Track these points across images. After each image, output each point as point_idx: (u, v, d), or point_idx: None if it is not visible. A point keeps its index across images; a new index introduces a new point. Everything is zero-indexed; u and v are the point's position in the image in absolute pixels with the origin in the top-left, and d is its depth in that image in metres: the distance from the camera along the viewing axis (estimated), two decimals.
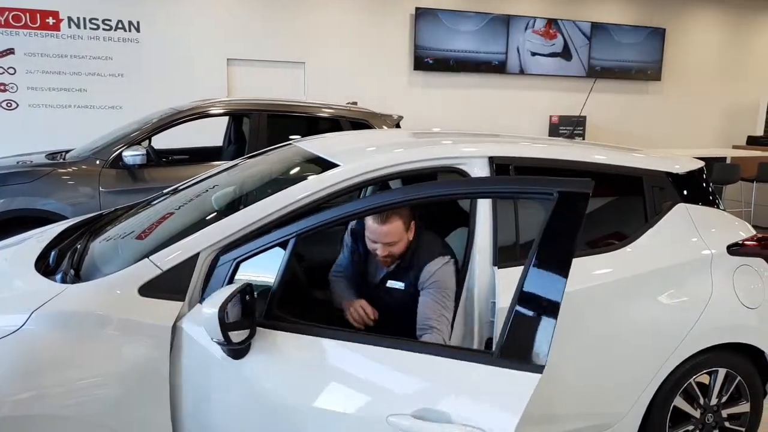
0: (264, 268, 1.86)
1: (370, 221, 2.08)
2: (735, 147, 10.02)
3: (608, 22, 9.05)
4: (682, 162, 2.57)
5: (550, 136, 8.62)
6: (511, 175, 2.19)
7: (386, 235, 2.06)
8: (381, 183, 2.37)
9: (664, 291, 2.30)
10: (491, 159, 2.19)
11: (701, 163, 2.64)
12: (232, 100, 4.99)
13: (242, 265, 1.79)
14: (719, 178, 6.74)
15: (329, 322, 2.07)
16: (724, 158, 7.41)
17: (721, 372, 2.43)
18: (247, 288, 1.64)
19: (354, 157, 2.11)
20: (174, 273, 1.79)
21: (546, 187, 1.50)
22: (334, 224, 1.79)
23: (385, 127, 5.15)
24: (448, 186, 1.92)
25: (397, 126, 5.38)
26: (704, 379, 2.45)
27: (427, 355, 1.57)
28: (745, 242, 2.48)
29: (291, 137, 3.23)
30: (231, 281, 1.76)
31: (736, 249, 2.45)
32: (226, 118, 5.32)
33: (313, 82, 7.81)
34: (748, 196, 8.28)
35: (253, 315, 1.65)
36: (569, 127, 8.53)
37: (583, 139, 8.49)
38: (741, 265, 2.46)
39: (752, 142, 9.82)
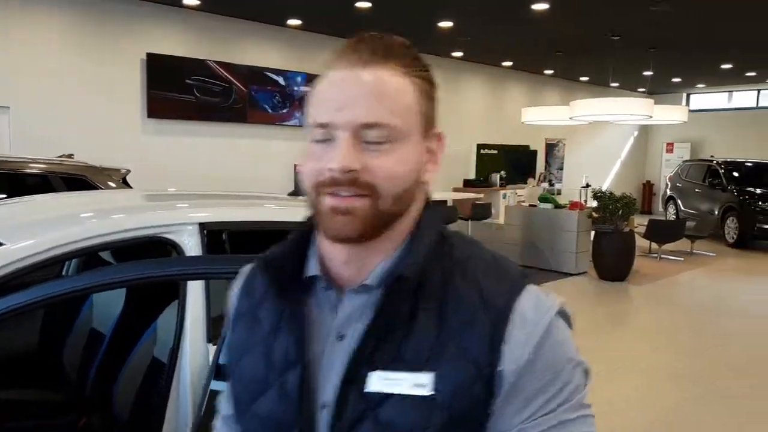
0: None
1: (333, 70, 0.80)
2: (455, 189, 11.50)
3: None
4: None
5: (296, 183, 8.80)
6: (224, 241, 2.07)
7: (368, 98, 0.76)
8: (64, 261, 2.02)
9: None
10: (202, 225, 2.05)
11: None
12: None
13: None
14: (444, 219, 7.57)
15: None
16: (446, 200, 8.39)
17: None
18: None
19: (22, 234, 1.77)
20: None
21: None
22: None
23: (111, 183, 4.66)
24: (115, 272, 1.67)
25: (124, 181, 4.91)
26: None
27: None
28: None
29: None
30: None
31: None
32: None
33: (19, 130, 6.77)
34: (466, 232, 9.45)
35: None
36: None
37: None
38: None
39: (468, 184, 11.38)
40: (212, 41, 8.20)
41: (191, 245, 2.01)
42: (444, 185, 11.76)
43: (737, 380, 4.45)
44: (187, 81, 7.84)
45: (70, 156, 4.93)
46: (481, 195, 8.96)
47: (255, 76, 8.51)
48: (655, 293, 7.25)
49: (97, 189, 4.38)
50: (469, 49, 10.68)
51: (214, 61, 8.10)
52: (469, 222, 8.25)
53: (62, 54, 7.02)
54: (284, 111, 8.89)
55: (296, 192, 2.86)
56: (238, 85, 8.34)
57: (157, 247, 2.07)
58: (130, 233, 1.90)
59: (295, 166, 8.84)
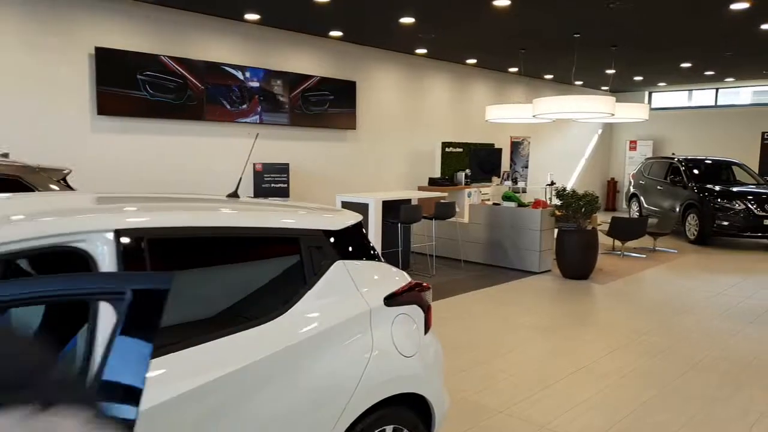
0: None
1: None
2: (420, 188, 11.38)
3: (308, 73, 9.50)
4: (339, 218, 2.57)
5: (255, 184, 8.56)
6: (144, 250, 1.88)
7: None
8: None
9: (326, 355, 2.22)
10: (118, 233, 1.85)
11: (358, 218, 2.70)
12: None
13: None
14: (406, 218, 7.45)
15: None
16: (410, 200, 8.25)
17: (389, 430, 2.45)
18: None
19: None
20: None
21: (117, 285, 1.22)
22: None
23: (53, 186, 4.37)
24: None
25: (65, 181, 4.62)
26: None
27: None
28: (399, 292, 2.59)
29: None
30: None
31: (391, 300, 2.53)
32: None
33: None
34: (430, 231, 9.37)
35: None
36: (274, 174, 8.59)
37: (287, 185, 8.63)
38: (398, 315, 2.55)
39: (433, 183, 11.27)
40: (166, 35, 7.90)
41: (104, 256, 1.81)
42: (409, 184, 11.65)
43: (697, 380, 4.42)
44: (139, 77, 7.53)
45: (4, 155, 4.62)
46: (446, 194, 8.85)
47: (212, 71, 8.24)
48: (617, 291, 7.25)
49: (32, 190, 4.10)
50: (432, 47, 10.57)
51: (168, 57, 7.80)
52: (433, 221, 8.14)
53: (2, 49, 6.65)
54: (244, 107, 8.64)
55: (235, 194, 2.66)
56: (194, 81, 8.05)
57: (75, 258, 1.87)
58: (30, 242, 1.70)
59: (254, 165, 8.60)
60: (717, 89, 16.19)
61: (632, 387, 4.26)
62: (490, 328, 5.63)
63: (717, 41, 9.65)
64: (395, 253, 8.01)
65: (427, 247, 9.41)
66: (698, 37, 9.34)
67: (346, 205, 7.73)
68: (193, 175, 8.30)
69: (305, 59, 9.64)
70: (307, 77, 9.52)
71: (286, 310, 2.19)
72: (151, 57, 7.63)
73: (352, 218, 2.65)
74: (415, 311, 2.64)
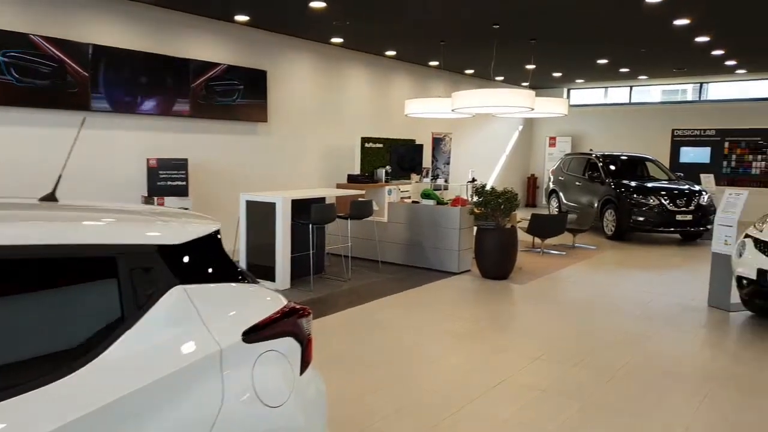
0: None
1: None
2: (339, 185, 10.82)
3: (214, 61, 8.70)
4: (181, 228, 1.96)
5: (149, 182, 7.71)
6: None
7: None
8: None
9: (150, 422, 1.62)
10: None
11: (213, 227, 2.10)
12: None
13: None
14: (318, 219, 6.87)
15: None
16: (324, 198, 7.67)
17: None
18: None
19: None
20: None
21: None
22: None
23: None
24: None
25: None
26: None
27: None
28: (265, 323, 2.02)
29: None
30: None
31: (253, 334, 1.96)
32: None
33: None
34: (346, 231, 8.84)
35: None
36: (171, 171, 7.77)
37: (186, 183, 7.84)
38: (264, 353, 1.98)
39: (352, 180, 10.74)
40: (37, 11, 6.91)
41: None
42: (328, 181, 11.06)
43: (619, 392, 4.12)
44: (3, 59, 6.52)
45: None
46: (363, 192, 8.34)
47: (97, 56, 7.31)
48: (536, 292, 6.99)
49: None
50: (349, 36, 10.02)
51: (41, 36, 6.82)
52: (348, 221, 7.60)
53: None
54: (136, 97, 7.75)
55: (52, 196, 1.97)
56: (74, 66, 7.10)
57: None
58: None
59: (147, 160, 7.74)
60: (631, 87, 16.59)
61: (554, 401, 3.89)
62: (407, 337, 5.16)
63: (633, 36, 9.66)
64: (306, 257, 7.41)
65: (344, 249, 8.88)
66: (615, 30, 9.30)
67: (251, 204, 7.06)
68: (75, 171, 7.35)
69: (209, 46, 8.84)
70: (212, 65, 8.74)
71: (89, 360, 1.57)
72: (18, 36, 6.63)
73: (204, 227, 2.05)
74: (288, 345, 2.08)
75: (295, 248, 7.23)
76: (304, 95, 10.47)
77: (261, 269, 7.01)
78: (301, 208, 7.23)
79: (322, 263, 7.80)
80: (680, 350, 4.98)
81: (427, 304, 6.32)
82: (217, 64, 8.79)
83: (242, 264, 7.14)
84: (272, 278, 6.91)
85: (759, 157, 14.44)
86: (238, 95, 9.18)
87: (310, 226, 7.20)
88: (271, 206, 6.87)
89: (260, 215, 6.97)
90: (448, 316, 5.85)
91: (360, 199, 8.51)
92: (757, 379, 4.35)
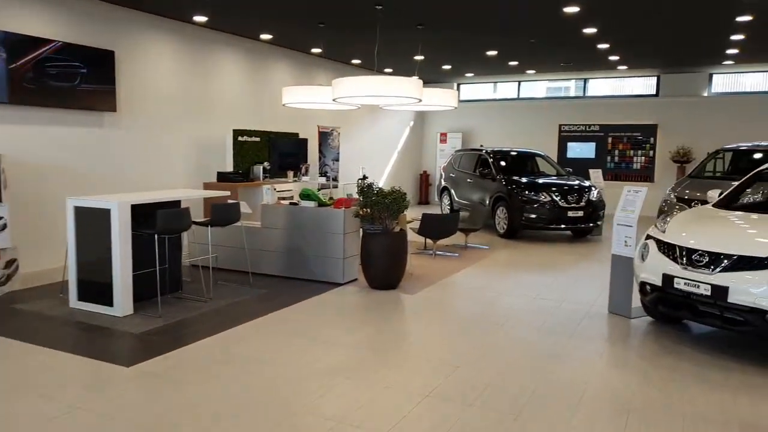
0: None
1: None
2: (206, 185, 9.50)
3: (45, 37, 7.10)
4: None
5: None
6: None
7: None
8: None
9: None
10: None
11: None
12: None
13: None
14: (164, 228, 5.61)
15: None
16: (179, 201, 6.41)
17: None
18: None
19: None
20: None
21: None
22: None
23: None
24: None
25: None
26: None
27: None
28: None
29: None
30: None
31: None
32: None
33: None
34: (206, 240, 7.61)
35: None
36: None
37: (4, 186, 6.25)
38: None
39: (222, 178, 9.47)
40: None
41: None
42: (195, 181, 9.69)
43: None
44: None
45: None
46: (228, 192, 7.14)
47: None
48: (428, 303, 6.21)
49: None
50: (216, 14, 8.74)
51: None
52: (209, 228, 6.39)
53: None
54: None
55: None
56: None
57: None
58: None
59: None
60: (519, 82, 16.52)
61: None
62: (269, 377, 4.10)
63: (522, 24, 9.20)
64: (152, 274, 6.10)
65: (209, 260, 7.63)
66: (504, 16, 8.76)
67: (81, 211, 5.67)
68: None
69: (38, 18, 7.22)
70: (43, 41, 7.15)
71: None
72: None
73: None
74: None
75: (140, 264, 5.92)
76: (163, 82, 9.04)
77: (96, 288, 5.65)
78: (146, 214, 5.93)
79: (179, 280, 6.53)
80: (588, 372, 4.34)
81: (301, 328, 5.31)
82: (49, 41, 7.21)
83: (73, 282, 5.74)
84: (110, 302, 5.57)
85: (639, 152, 14.80)
86: (81, 79, 7.63)
87: (156, 236, 5.92)
88: (106, 213, 5.53)
89: (93, 224, 5.60)
90: (323, 344, 4.87)
91: (229, 201, 7.31)
92: (672, 406, 3.77)
